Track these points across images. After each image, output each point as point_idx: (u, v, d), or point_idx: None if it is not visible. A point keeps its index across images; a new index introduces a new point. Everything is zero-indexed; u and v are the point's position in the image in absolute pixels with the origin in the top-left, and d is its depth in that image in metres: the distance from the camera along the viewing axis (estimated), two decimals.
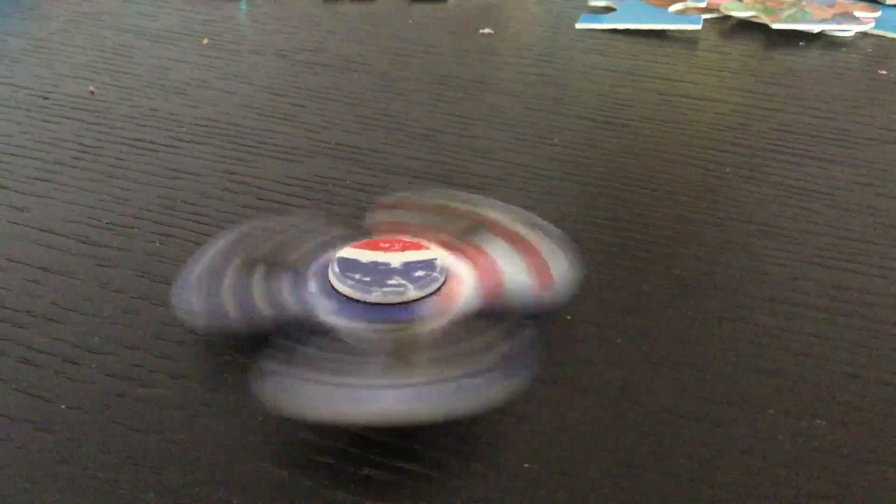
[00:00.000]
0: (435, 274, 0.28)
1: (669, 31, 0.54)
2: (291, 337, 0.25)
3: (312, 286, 0.28)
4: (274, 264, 0.28)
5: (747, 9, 0.56)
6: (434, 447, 0.24)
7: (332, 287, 0.27)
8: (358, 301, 0.27)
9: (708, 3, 0.57)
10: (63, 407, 0.25)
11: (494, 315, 0.26)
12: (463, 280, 0.28)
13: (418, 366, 0.24)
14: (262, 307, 0.27)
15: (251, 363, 0.25)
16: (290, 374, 0.24)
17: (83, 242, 0.32)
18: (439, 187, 0.36)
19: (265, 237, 0.30)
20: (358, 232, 0.30)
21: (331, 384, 0.24)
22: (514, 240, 0.30)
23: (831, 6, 0.56)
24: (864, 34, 0.54)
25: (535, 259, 0.29)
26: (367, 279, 0.27)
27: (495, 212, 0.32)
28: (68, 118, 0.42)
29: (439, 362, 0.24)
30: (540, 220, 0.31)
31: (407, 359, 0.25)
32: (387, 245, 0.29)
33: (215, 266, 0.28)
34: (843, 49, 0.51)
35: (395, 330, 0.26)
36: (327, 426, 0.24)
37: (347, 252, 0.28)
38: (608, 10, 0.57)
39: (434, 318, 0.26)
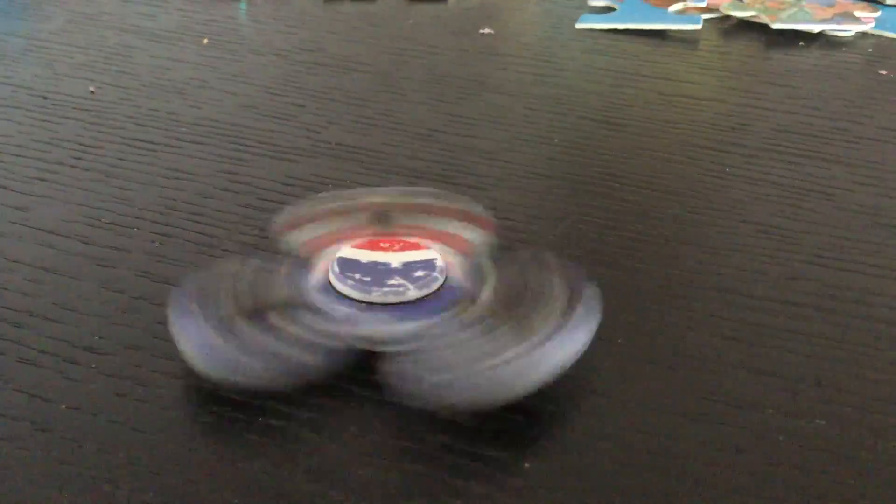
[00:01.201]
0: (435, 274, 0.28)
1: (669, 31, 0.54)
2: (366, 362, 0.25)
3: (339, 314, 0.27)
4: (280, 306, 0.27)
5: (747, 9, 0.56)
6: (434, 447, 0.24)
7: (334, 288, 0.27)
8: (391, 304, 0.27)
9: (708, 3, 0.57)
10: (63, 407, 0.25)
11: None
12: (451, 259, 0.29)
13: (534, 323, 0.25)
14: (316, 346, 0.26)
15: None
16: (422, 373, 0.24)
17: (83, 242, 0.32)
18: (439, 187, 0.36)
19: (243, 282, 0.28)
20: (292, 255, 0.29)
21: (471, 370, 0.24)
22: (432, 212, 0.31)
23: (831, 6, 0.56)
24: (864, 34, 0.54)
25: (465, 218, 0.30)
26: (367, 279, 0.27)
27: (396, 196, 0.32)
28: (68, 118, 0.42)
29: (533, 321, 0.25)
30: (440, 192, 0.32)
31: (526, 320, 0.25)
32: (387, 245, 0.29)
33: (219, 325, 0.26)
34: (843, 49, 0.51)
35: (460, 311, 0.26)
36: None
37: (347, 252, 0.28)
38: (608, 10, 0.57)
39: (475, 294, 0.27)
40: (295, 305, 0.27)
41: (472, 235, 0.30)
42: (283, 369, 0.25)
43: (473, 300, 0.27)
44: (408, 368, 0.24)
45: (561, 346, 0.25)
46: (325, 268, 0.28)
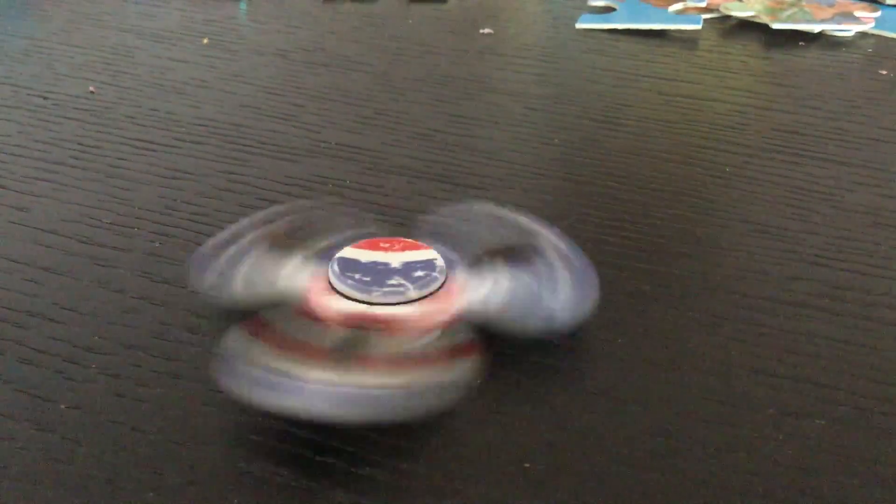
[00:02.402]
0: (435, 274, 0.28)
1: (669, 31, 0.54)
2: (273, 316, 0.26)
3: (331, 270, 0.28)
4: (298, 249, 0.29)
5: (747, 9, 0.56)
6: (434, 447, 0.24)
7: (332, 285, 0.28)
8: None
9: (708, 3, 0.57)
10: (63, 407, 0.25)
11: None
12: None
13: (367, 367, 0.25)
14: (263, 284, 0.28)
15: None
16: (244, 357, 0.24)
17: (83, 242, 0.32)
18: (439, 187, 0.36)
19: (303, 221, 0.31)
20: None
21: (279, 375, 0.24)
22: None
23: (831, 6, 0.56)
24: (864, 34, 0.54)
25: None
26: (367, 279, 0.27)
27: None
28: (68, 118, 0.42)
29: (393, 369, 0.25)
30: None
31: (353, 358, 0.25)
32: (387, 245, 0.29)
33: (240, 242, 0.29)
34: (843, 49, 0.51)
35: (365, 328, 0.26)
36: (322, 425, 0.24)
37: (347, 252, 0.28)
38: (608, 10, 0.57)
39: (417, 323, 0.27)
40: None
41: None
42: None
43: None
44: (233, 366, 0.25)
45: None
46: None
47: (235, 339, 0.25)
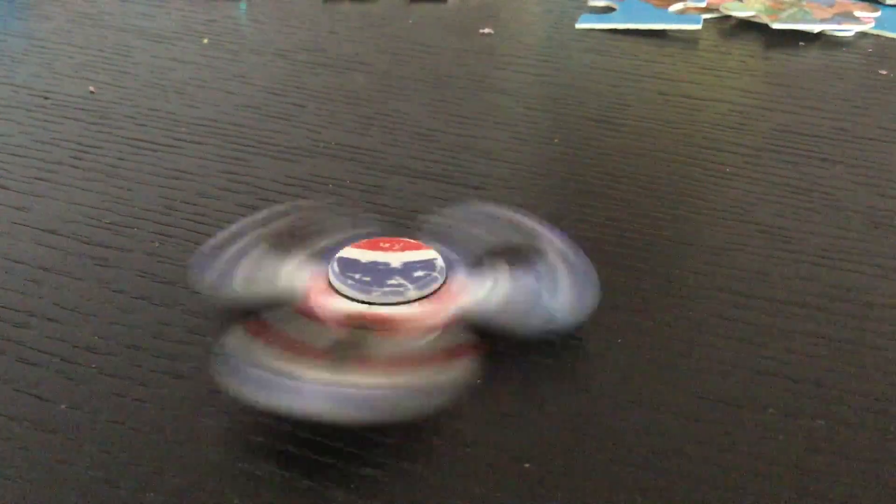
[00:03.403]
0: (435, 274, 0.28)
1: (669, 31, 0.54)
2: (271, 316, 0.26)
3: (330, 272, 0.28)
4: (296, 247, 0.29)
5: (747, 9, 0.56)
6: (434, 447, 0.24)
7: (332, 285, 0.28)
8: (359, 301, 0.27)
9: (708, 3, 0.57)
10: (63, 407, 0.25)
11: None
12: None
13: (365, 367, 0.25)
14: (262, 283, 0.28)
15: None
16: (244, 357, 0.25)
17: (83, 242, 0.32)
18: (439, 187, 0.36)
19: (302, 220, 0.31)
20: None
21: (278, 375, 0.24)
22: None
23: (831, 6, 0.56)
24: (864, 34, 0.54)
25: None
26: (367, 279, 0.27)
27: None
28: (68, 118, 0.42)
29: (389, 369, 0.25)
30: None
31: (352, 358, 0.25)
32: (387, 245, 0.29)
33: (240, 240, 0.30)
34: (843, 49, 0.51)
35: (361, 329, 0.26)
36: (320, 424, 0.24)
37: (347, 252, 0.28)
38: (608, 10, 0.57)
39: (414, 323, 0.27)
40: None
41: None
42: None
43: None
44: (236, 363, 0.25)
45: None
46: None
47: (235, 339, 0.25)
